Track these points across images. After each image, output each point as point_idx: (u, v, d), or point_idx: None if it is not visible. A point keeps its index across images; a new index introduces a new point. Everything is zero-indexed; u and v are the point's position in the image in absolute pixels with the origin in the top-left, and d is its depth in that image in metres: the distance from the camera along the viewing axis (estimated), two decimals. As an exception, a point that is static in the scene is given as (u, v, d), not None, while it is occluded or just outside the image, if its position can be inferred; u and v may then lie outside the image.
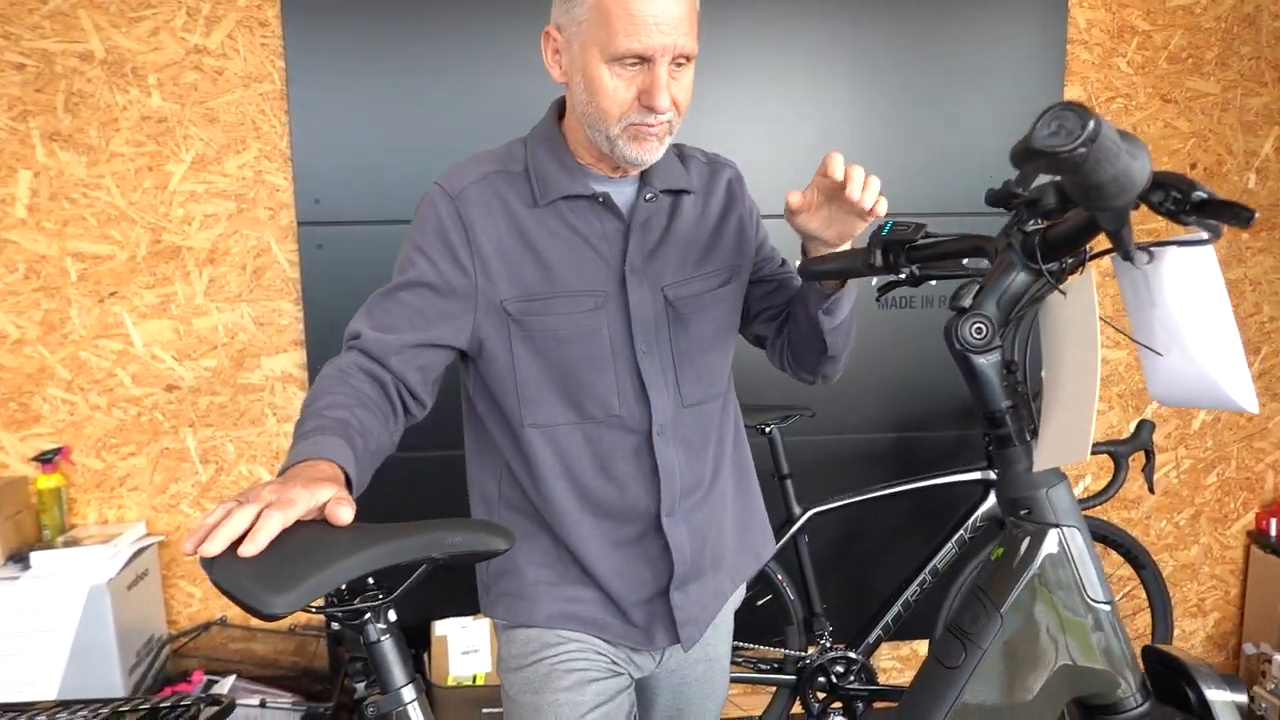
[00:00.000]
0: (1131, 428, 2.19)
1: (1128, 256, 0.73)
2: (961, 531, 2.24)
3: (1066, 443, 0.75)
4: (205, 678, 2.24)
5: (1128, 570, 2.62)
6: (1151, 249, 0.75)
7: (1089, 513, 2.37)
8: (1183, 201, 0.69)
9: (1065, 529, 0.82)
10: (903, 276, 1.01)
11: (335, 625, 0.90)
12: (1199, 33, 2.53)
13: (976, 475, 2.27)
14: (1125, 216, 0.70)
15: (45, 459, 2.27)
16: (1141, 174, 0.68)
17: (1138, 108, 2.55)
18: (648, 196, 1.21)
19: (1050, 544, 0.82)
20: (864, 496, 2.22)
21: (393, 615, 0.90)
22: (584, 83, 1.12)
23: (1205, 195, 0.69)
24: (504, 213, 1.17)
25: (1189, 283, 0.74)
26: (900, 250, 1.01)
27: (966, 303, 0.82)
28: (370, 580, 0.90)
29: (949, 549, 2.24)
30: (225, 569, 0.79)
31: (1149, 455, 2.12)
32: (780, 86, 2.40)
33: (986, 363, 0.82)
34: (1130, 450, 2.11)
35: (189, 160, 2.27)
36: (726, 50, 2.37)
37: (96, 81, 2.22)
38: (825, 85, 2.41)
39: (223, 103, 2.26)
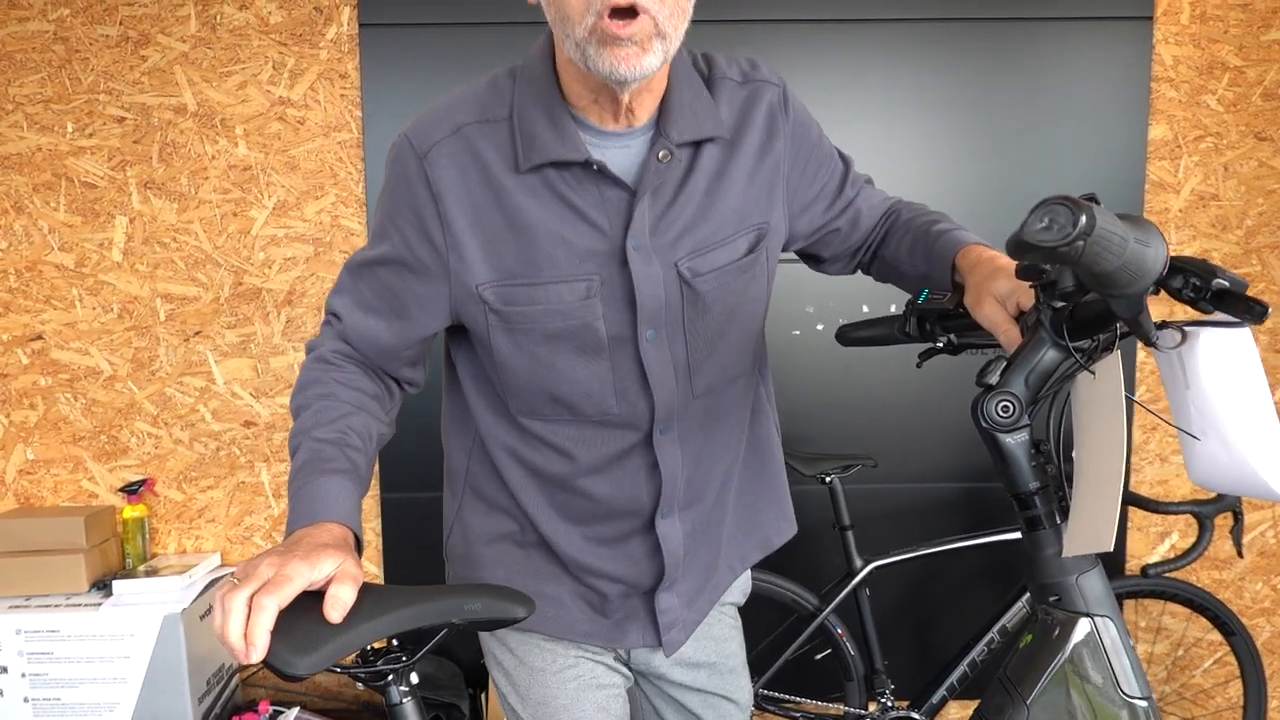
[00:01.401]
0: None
1: (1149, 342, 0.69)
2: (1033, 589, 2.15)
3: (1092, 530, 0.72)
4: (271, 708, 2.30)
5: (1216, 636, 2.47)
6: (1185, 329, 0.71)
7: (1174, 575, 2.25)
8: (1202, 289, 0.66)
9: (1097, 618, 0.78)
10: (940, 345, 0.99)
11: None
12: (1296, 69, 2.41)
13: (1051, 530, 2.17)
14: (1140, 304, 0.67)
15: (131, 490, 2.38)
16: (1155, 261, 0.65)
17: (1229, 146, 2.43)
18: (661, 155, 0.98)
19: (1080, 633, 0.78)
20: (928, 550, 2.16)
21: (414, 678, 0.91)
22: None
23: (1226, 284, 0.65)
24: (480, 177, 0.98)
25: (1225, 366, 0.70)
26: (935, 319, 0.98)
27: (993, 379, 0.79)
28: (394, 642, 0.91)
29: (1019, 607, 2.15)
30: None
31: (1237, 516, 2.00)
32: (857, 122, 2.38)
33: (1014, 442, 0.79)
34: (1216, 511, 1.99)
35: (270, 206, 2.37)
36: (804, 86, 2.36)
37: (188, 132, 2.35)
38: (903, 122, 2.38)
39: (303, 151, 2.36)
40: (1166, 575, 2.19)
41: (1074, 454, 0.79)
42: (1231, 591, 2.58)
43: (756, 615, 2.31)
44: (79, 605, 2.19)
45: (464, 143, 0.98)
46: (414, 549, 2.38)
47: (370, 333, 1.04)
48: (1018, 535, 2.18)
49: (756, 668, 2.25)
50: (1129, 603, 2.54)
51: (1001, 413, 0.78)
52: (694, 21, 2.33)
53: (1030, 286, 0.81)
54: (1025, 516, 0.81)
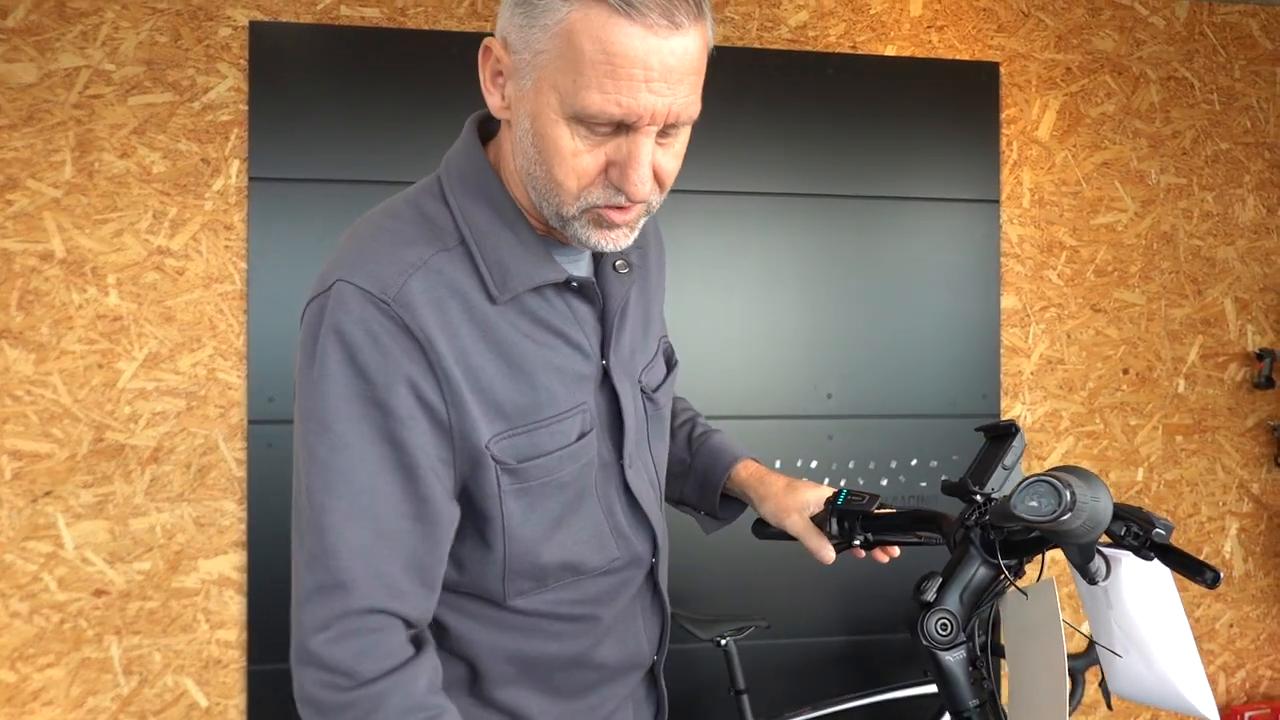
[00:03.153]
0: (1086, 641, 2.19)
1: (1092, 581, 0.75)
2: (922, 748, 2.18)
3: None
4: None
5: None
6: (1108, 555, 0.77)
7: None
8: (1144, 539, 0.72)
9: (1038, 837, 0.80)
10: (857, 544, 1.03)
11: None
12: (1122, 248, 2.71)
13: (934, 689, 2.22)
14: (1092, 552, 0.73)
15: (-46, 672, 2.12)
16: (1106, 512, 0.71)
17: (1070, 316, 2.68)
18: (618, 265, 0.94)
19: None
20: (822, 712, 2.16)
21: None
22: (533, 135, 0.81)
23: (1164, 536, 0.72)
24: (463, 313, 0.83)
25: (1145, 591, 0.76)
26: (855, 520, 1.02)
27: (930, 597, 0.82)
28: None
29: (910, 767, 2.17)
30: None
31: (1105, 669, 2.11)
32: (735, 288, 2.48)
33: (953, 660, 0.82)
34: (1086, 665, 2.09)
35: (141, 358, 2.25)
36: (688, 251, 2.47)
37: (54, 280, 2.23)
38: (779, 288, 2.50)
39: (181, 302, 2.27)
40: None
41: (1008, 671, 0.82)
42: (1098, 736, 2.69)
43: (650, 785, 2.24)
44: (-120, 814, 1.90)
45: (436, 276, 0.83)
46: (282, 727, 2.20)
47: (416, 588, 0.82)
48: (906, 694, 2.22)
49: (651, 844, 2.17)
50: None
51: (940, 630, 0.81)
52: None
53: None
54: (965, 735, 0.83)
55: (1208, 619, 2.75)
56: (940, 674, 0.82)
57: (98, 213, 2.24)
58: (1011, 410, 2.64)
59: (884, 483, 2.54)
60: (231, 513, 2.28)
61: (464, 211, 0.86)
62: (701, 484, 1.18)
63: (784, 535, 1.12)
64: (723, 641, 2.15)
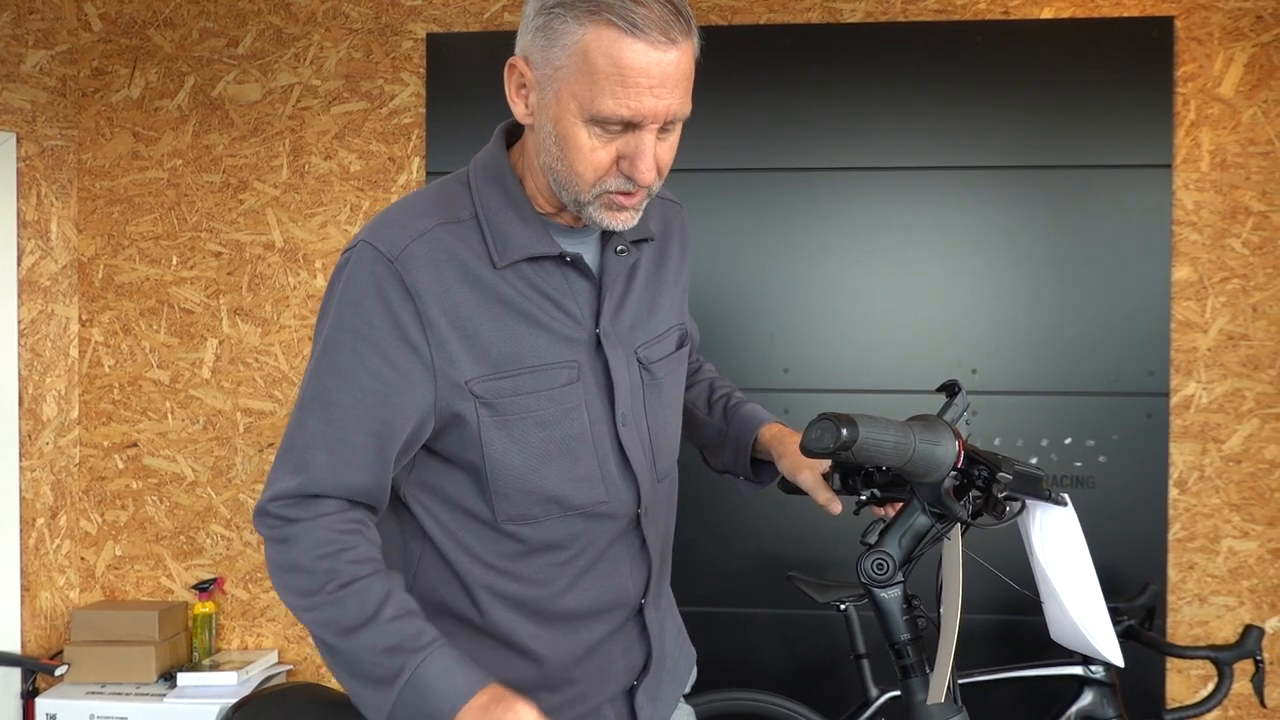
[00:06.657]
0: (1237, 634, 2.04)
1: (962, 521, 0.80)
2: (1053, 729, 2.14)
3: (935, 683, 0.81)
4: (312, 804, 2.43)
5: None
6: (1025, 502, 0.82)
7: (1198, 720, 2.19)
8: (990, 480, 0.77)
9: (958, 765, 0.86)
10: (864, 498, 1.10)
11: None
12: (1324, 213, 2.45)
13: (1074, 670, 2.17)
14: (937, 491, 0.78)
15: (202, 587, 2.59)
16: (946, 456, 0.76)
17: (1257, 288, 2.47)
18: (619, 249, 1.10)
19: (940, 777, 0.86)
20: (944, 682, 2.17)
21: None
22: (555, 136, 0.99)
23: (1010, 478, 0.76)
24: (458, 274, 1.01)
25: (1053, 539, 0.80)
26: (856, 475, 1.10)
27: (871, 539, 0.90)
28: None
29: (1039, 747, 2.14)
30: None
31: (1258, 664, 1.97)
32: (886, 264, 2.50)
33: (888, 596, 0.89)
34: (1233, 658, 1.97)
35: (341, 332, 2.63)
36: (839, 229, 2.52)
37: (274, 266, 2.64)
38: (932, 264, 2.49)
39: (373, 283, 2.62)
40: (1190, 722, 2.15)
41: (941, 610, 0.88)
42: (1282, 742, 2.48)
43: (777, 739, 2.34)
44: (147, 695, 2.38)
45: (436, 242, 1.01)
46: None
47: (367, 481, 1.01)
48: (1036, 672, 2.18)
49: (773, 793, 2.28)
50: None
51: (875, 569, 0.89)
52: (742, 170, 2.53)
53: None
54: (899, 665, 0.90)
55: None
56: (876, 608, 0.90)
57: (307, 208, 2.63)
58: (1184, 389, 2.48)
59: (1034, 460, 2.48)
60: (413, 467, 2.62)
61: (480, 194, 1.06)
62: (735, 449, 1.28)
63: (801, 490, 1.20)
64: (842, 606, 2.21)
